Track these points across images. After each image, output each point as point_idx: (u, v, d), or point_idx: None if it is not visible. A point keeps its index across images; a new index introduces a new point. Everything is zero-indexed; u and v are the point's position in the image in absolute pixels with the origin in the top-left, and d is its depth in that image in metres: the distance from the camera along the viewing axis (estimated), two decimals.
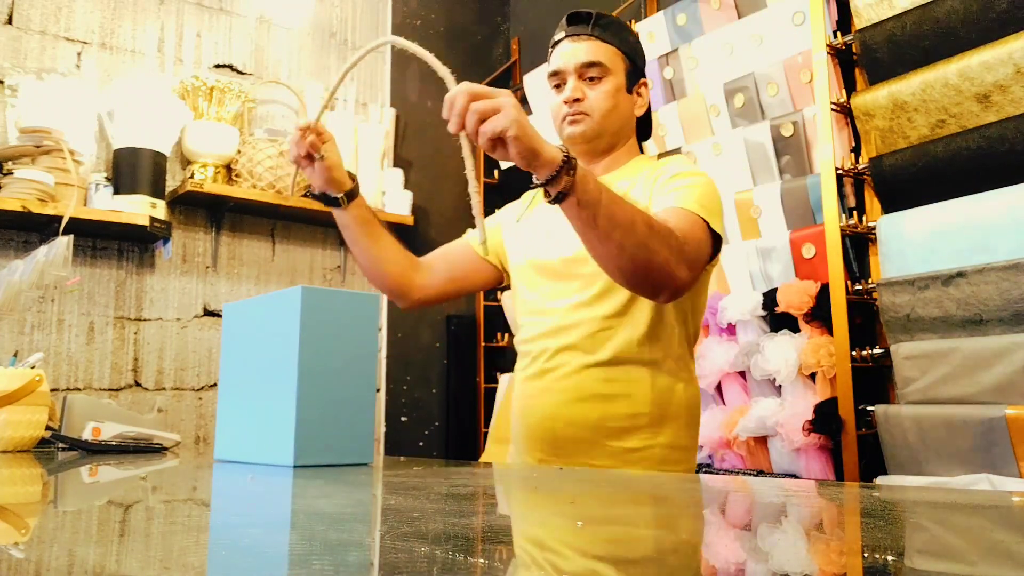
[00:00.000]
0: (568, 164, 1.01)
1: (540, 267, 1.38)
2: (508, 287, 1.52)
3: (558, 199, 1.04)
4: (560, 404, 1.29)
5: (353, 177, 1.36)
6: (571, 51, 1.34)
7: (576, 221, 1.07)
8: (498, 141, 0.98)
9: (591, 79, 1.33)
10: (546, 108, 2.97)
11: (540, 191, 1.06)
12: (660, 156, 2.43)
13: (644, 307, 1.27)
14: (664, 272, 1.11)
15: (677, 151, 2.39)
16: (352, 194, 1.35)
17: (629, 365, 1.27)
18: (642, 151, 1.46)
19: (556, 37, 1.39)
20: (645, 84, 1.41)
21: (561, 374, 1.30)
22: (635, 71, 1.38)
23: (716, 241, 1.24)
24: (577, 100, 1.33)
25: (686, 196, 1.22)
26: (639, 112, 1.40)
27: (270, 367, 1.04)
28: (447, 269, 1.49)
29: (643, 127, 1.45)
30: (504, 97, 0.99)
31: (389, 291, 1.46)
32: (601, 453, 1.26)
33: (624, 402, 1.27)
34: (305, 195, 1.36)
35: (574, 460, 1.28)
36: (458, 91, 0.98)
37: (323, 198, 1.35)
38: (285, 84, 2.88)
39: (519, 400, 1.38)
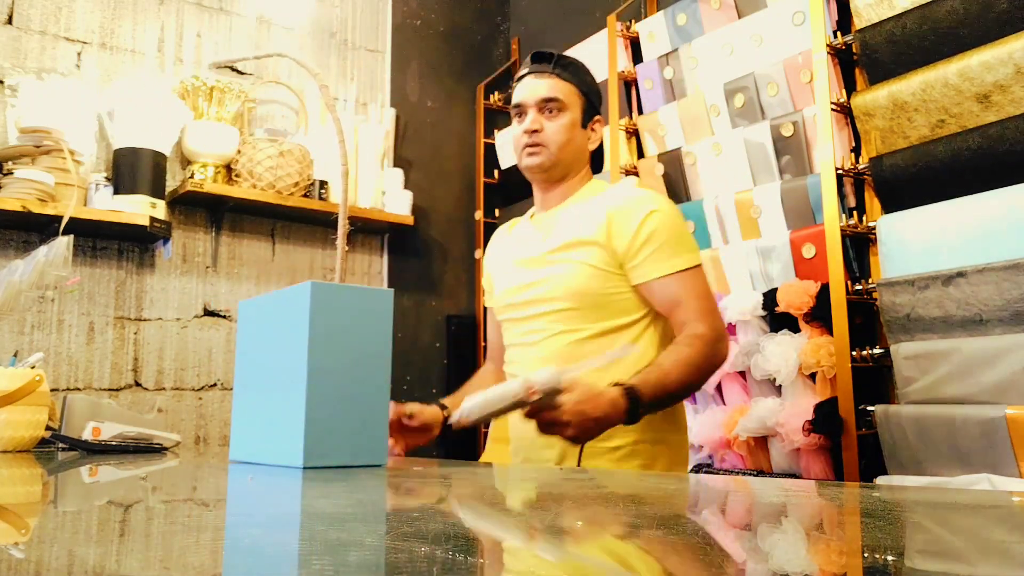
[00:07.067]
0: (631, 409, 1.19)
1: (510, 304, 1.51)
2: None
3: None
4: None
5: (443, 406, 1.44)
6: (533, 86, 1.46)
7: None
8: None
9: (549, 112, 1.45)
10: None
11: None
12: (659, 157, 2.44)
13: (619, 331, 1.41)
14: (719, 364, 1.33)
15: (677, 151, 2.39)
16: (447, 419, 1.41)
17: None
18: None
19: (520, 73, 1.50)
20: (599, 121, 1.52)
21: None
22: (590, 109, 1.50)
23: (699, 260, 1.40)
24: (536, 131, 1.44)
25: (662, 257, 1.35)
26: (592, 147, 1.52)
27: (281, 365, 1.03)
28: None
29: (596, 160, 1.57)
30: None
31: None
32: (588, 453, 1.37)
33: None
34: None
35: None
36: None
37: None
38: (285, 84, 2.88)
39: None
